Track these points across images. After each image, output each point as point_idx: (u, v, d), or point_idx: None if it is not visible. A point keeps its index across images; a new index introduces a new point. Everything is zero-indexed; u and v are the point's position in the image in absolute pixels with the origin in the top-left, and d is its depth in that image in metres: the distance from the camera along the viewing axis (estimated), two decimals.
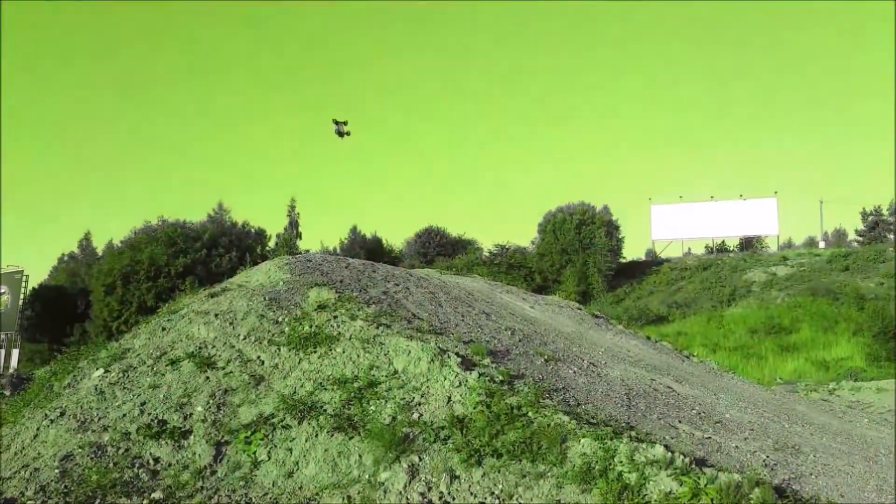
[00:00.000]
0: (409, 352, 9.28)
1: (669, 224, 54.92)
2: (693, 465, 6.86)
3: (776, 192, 53.35)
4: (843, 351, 27.72)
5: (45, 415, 9.15)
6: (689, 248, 57.54)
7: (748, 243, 56.44)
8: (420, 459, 7.58)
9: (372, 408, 8.46)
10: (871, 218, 55.75)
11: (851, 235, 59.38)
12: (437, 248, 52.87)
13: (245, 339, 10.14)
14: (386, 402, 8.53)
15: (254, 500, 7.66)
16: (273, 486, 7.83)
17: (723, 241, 57.32)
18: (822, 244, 55.92)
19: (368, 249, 49.53)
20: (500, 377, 8.90)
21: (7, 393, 17.20)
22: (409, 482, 7.35)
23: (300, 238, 45.73)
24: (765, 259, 47.39)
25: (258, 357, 9.75)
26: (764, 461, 8.19)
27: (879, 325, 26.37)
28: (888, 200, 56.21)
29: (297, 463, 8.00)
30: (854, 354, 26.85)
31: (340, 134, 20.70)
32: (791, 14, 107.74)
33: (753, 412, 11.26)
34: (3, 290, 37.38)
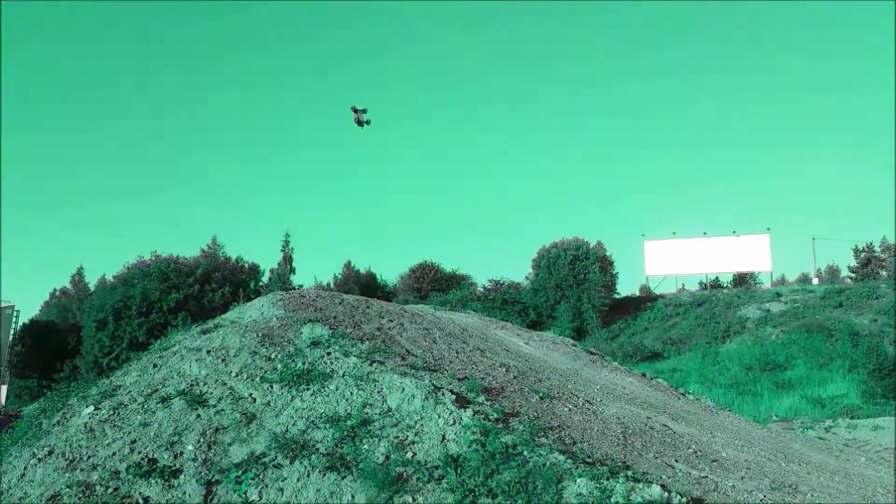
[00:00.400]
0: (403, 389, 9.21)
1: (663, 260, 55.14)
2: None
3: (769, 229, 53.74)
4: (838, 388, 27.65)
5: (33, 453, 9.01)
6: (683, 285, 57.73)
7: (741, 279, 56.61)
8: (413, 500, 7.48)
9: (365, 446, 8.36)
10: (863, 255, 56.00)
11: (844, 272, 59.62)
12: (431, 283, 52.81)
13: (237, 376, 10.05)
14: (379, 440, 8.44)
15: None
16: None
17: (716, 278, 57.48)
18: (815, 280, 56.09)
19: (362, 285, 49.46)
20: (495, 415, 8.83)
21: None
22: None
23: (294, 273, 45.69)
24: (759, 295, 47.46)
25: (250, 394, 9.65)
26: (761, 501, 8.11)
27: (874, 362, 26.34)
28: (879, 237, 56.53)
29: (289, 503, 7.88)
30: (850, 391, 26.79)
31: (360, 123, 20.29)
32: (785, 52, 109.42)
33: (750, 450, 11.18)
34: None
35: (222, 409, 9.38)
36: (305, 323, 11.57)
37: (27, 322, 44.94)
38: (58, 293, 53.77)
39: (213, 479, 8.27)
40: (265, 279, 43.71)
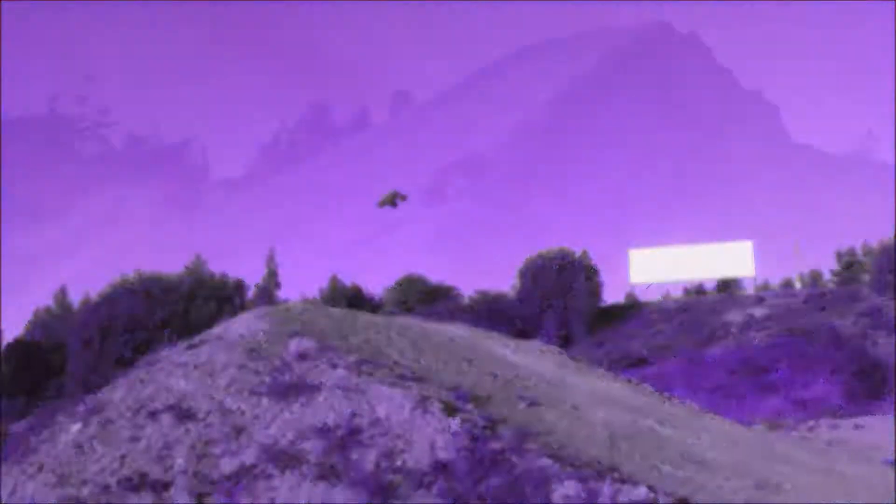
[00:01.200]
0: (392, 399, 9.30)
1: (647, 268, 55.45)
2: None
3: (751, 238, 54.28)
4: (821, 389, 27.93)
5: (23, 470, 9.01)
6: (668, 291, 58.02)
7: (725, 285, 56.99)
8: None
9: (355, 456, 8.44)
10: (845, 259, 56.52)
11: (827, 276, 60.06)
12: (417, 295, 52.74)
13: (225, 390, 10.09)
14: (369, 449, 8.52)
15: None
16: None
17: (700, 284, 57.84)
18: (798, 285, 56.56)
19: (349, 298, 49.33)
20: (483, 422, 8.93)
21: None
22: None
23: (279, 288, 45.45)
24: (742, 300, 47.80)
25: (239, 408, 9.70)
26: (746, 500, 8.24)
27: (856, 363, 26.71)
28: (861, 241, 56.99)
29: None
30: (832, 393, 27.08)
31: (385, 203, 19.21)
32: (774, 69, 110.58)
33: (734, 452, 11.32)
34: None
35: (211, 423, 9.42)
36: (292, 336, 11.62)
37: (11, 342, 44.55)
38: (41, 312, 53.32)
39: (203, 491, 8.31)
40: (250, 294, 43.53)
